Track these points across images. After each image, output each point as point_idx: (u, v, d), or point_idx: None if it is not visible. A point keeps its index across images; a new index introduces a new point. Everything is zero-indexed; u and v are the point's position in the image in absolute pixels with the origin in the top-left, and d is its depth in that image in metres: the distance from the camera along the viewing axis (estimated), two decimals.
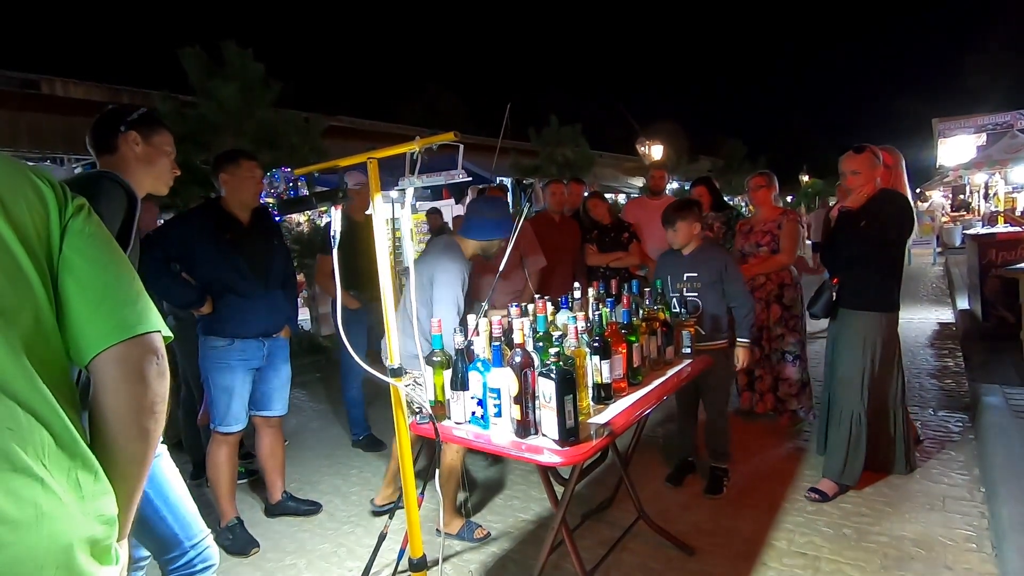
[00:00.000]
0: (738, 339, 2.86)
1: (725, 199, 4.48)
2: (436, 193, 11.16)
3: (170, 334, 0.89)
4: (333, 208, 1.47)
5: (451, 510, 2.62)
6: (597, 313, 2.09)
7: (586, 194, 4.48)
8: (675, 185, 14.10)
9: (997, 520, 2.38)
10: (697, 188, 4.21)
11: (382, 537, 2.23)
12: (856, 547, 2.38)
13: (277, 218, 2.63)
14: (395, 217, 7.72)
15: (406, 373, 2.36)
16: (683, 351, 2.47)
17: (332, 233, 1.49)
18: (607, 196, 6.78)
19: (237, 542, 2.60)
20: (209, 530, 1.60)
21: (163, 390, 0.86)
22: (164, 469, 1.52)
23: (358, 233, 3.16)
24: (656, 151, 13.58)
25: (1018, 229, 5.36)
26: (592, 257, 4.03)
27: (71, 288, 0.81)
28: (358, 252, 2.81)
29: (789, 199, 23.03)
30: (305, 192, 1.89)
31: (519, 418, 1.70)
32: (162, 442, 1.56)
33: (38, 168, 0.87)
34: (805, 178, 28.49)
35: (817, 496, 2.74)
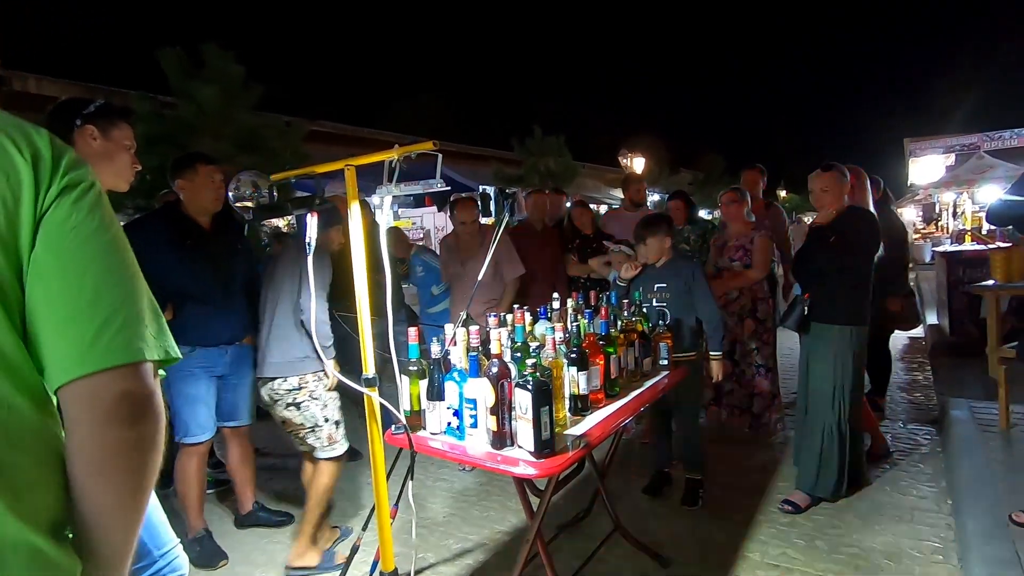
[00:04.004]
0: (710, 352, 2.89)
1: (703, 213, 4.55)
2: (419, 201, 11.15)
3: (176, 355, 0.72)
4: (309, 215, 1.46)
5: (310, 540, 2.42)
6: (575, 324, 2.10)
7: (568, 204, 4.50)
8: (656, 197, 14.26)
9: (963, 532, 2.44)
10: (673, 201, 4.27)
11: (354, 550, 2.19)
12: (827, 558, 2.41)
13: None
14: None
15: (299, 387, 2.34)
16: (660, 362, 2.49)
17: (307, 240, 1.47)
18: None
19: (204, 554, 2.53)
20: (178, 539, 1.56)
21: (150, 435, 0.67)
22: None
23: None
24: (638, 163, 13.75)
25: (984, 247, 5.53)
26: (573, 268, 4.05)
27: (38, 299, 0.64)
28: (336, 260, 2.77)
29: None
30: (276, 196, 1.83)
31: (495, 429, 1.69)
32: None
33: (28, 129, 0.67)
34: (783, 193, 29.10)
35: (790, 508, 2.77)
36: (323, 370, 2.38)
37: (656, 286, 2.89)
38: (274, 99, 6.40)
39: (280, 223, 7.30)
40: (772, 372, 3.67)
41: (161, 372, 0.73)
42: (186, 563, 1.55)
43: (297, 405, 2.39)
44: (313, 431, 2.41)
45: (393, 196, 1.50)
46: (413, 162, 1.50)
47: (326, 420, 2.42)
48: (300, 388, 2.38)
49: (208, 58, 5.64)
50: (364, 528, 2.23)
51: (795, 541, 2.55)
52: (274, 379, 2.39)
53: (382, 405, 1.68)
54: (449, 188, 1.52)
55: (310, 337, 2.31)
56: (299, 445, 2.51)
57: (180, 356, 0.73)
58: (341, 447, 2.46)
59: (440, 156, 1.38)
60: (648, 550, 2.44)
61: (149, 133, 5.25)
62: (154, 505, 1.51)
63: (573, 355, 1.94)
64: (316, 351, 2.34)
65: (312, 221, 1.46)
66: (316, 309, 2.22)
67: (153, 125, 5.35)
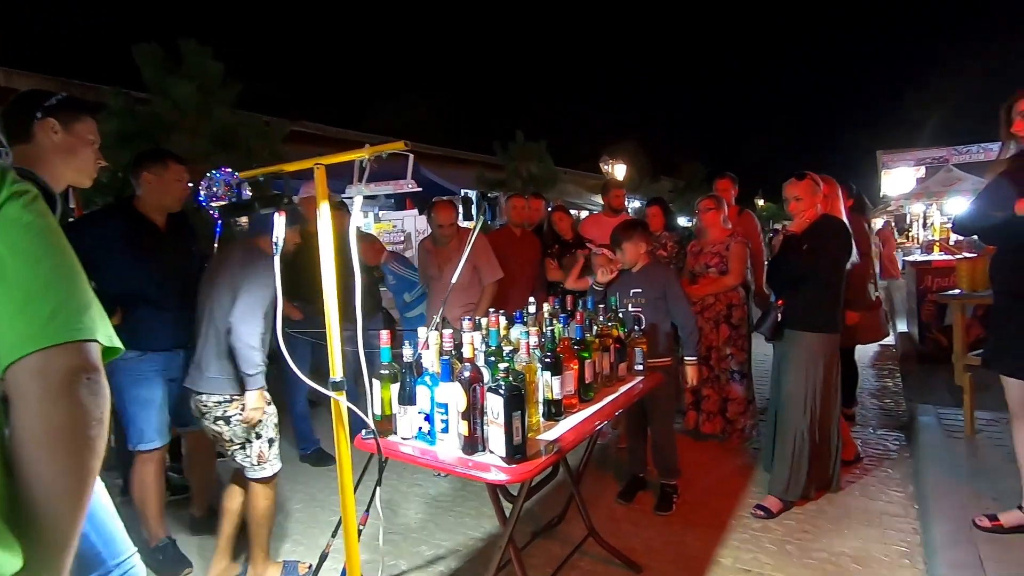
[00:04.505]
0: (685, 358, 2.91)
1: (683, 221, 4.60)
2: (399, 203, 11.07)
3: (119, 345, 0.76)
4: (276, 214, 1.42)
5: (264, 558, 2.35)
6: (550, 329, 2.09)
7: (549, 208, 4.51)
8: (636, 204, 14.40)
9: (928, 537, 2.48)
10: (651, 208, 4.31)
11: (323, 557, 2.15)
12: (798, 564, 2.43)
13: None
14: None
15: (231, 399, 2.20)
16: (635, 368, 2.50)
17: (275, 240, 1.44)
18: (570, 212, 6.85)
19: (167, 562, 2.45)
20: (135, 548, 1.50)
21: (98, 412, 0.70)
22: None
23: (308, 241, 3.07)
24: (619, 170, 13.86)
25: (951, 257, 5.68)
26: (552, 272, 4.05)
27: None
28: (307, 262, 2.71)
29: None
30: (248, 195, 1.74)
31: (466, 434, 1.67)
32: None
33: None
34: (760, 202, 29.66)
35: (762, 513, 2.79)
36: (263, 387, 2.22)
37: (632, 291, 2.90)
38: (258, 98, 6.31)
39: None
40: (747, 378, 3.71)
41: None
42: (143, 572, 1.50)
43: (227, 419, 2.22)
44: (243, 448, 2.25)
45: (364, 197, 1.47)
46: (391, 163, 1.48)
47: (257, 436, 2.25)
48: (231, 400, 2.22)
49: (186, 54, 5.53)
50: (333, 535, 2.19)
51: (767, 546, 2.57)
52: (202, 392, 2.23)
53: (352, 410, 1.64)
54: (420, 189, 1.50)
55: (234, 363, 2.18)
56: (231, 462, 2.35)
57: (122, 347, 0.78)
58: (272, 467, 2.29)
59: (412, 156, 1.36)
60: (622, 556, 2.44)
61: (123, 129, 5.12)
62: (110, 513, 1.46)
63: (547, 360, 1.93)
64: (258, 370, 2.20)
65: (280, 220, 1.43)
66: (255, 328, 2.12)
67: (127, 121, 5.23)
